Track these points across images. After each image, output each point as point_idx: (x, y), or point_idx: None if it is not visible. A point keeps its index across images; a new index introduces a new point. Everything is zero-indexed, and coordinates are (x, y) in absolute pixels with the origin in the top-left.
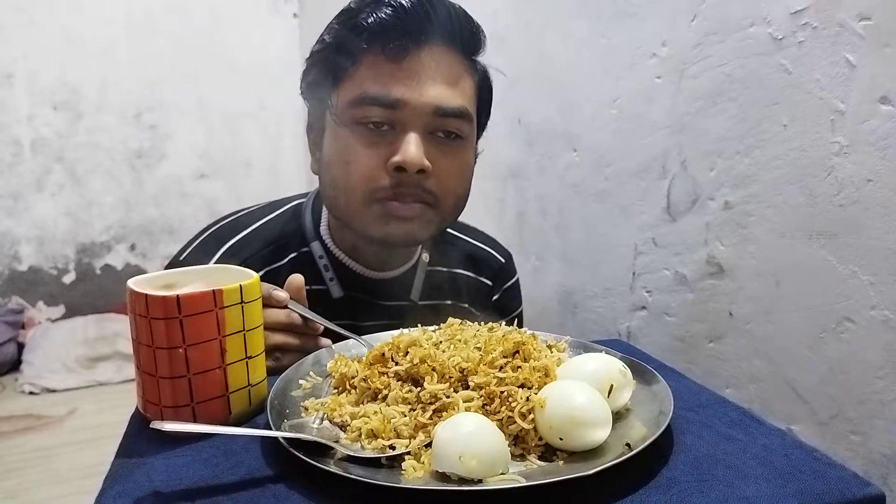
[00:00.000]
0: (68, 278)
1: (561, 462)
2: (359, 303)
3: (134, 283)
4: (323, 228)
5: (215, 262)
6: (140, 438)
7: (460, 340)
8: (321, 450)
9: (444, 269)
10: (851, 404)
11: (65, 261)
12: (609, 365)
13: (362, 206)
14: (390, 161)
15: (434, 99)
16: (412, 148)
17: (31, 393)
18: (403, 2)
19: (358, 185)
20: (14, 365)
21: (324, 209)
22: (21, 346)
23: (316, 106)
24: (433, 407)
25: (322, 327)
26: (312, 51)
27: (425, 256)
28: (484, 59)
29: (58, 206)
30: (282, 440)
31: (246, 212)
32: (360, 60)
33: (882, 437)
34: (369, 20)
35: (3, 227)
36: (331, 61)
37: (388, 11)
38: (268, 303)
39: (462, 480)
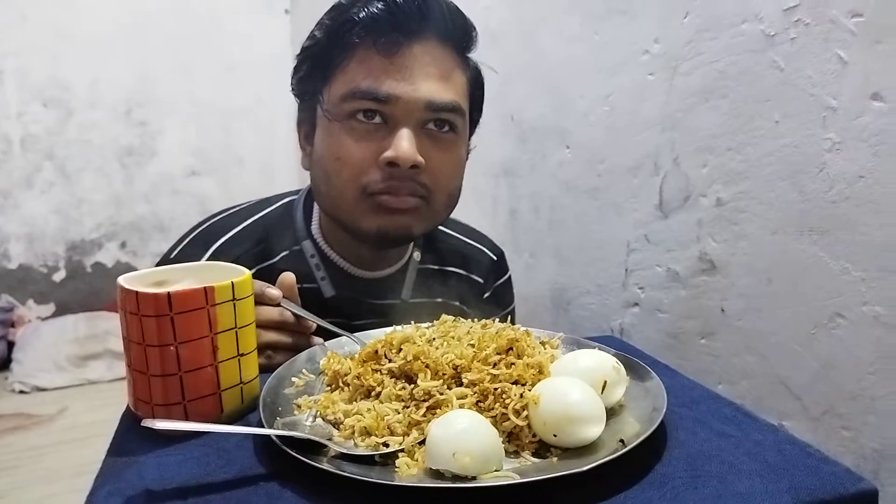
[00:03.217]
0: (58, 276)
1: (555, 458)
2: (350, 302)
3: (124, 281)
4: (314, 227)
5: (206, 260)
6: (131, 437)
7: (454, 337)
8: (314, 448)
9: (436, 267)
10: (843, 400)
11: (55, 258)
12: (602, 361)
13: (354, 201)
14: (382, 156)
15: (426, 94)
16: (405, 143)
17: (21, 392)
18: None
19: (349, 179)
20: (4, 364)
21: (315, 207)
22: (11, 345)
23: (307, 102)
24: (427, 404)
25: (314, 325)
26: (303, 46)
27: (416, 255)
28: (476, 55)
29: (48, 204)
30: (274, 438)
31: (237, 209)
32: (352, 55)
33: (873, 433)
34: (361, 14)
35: None
36: (322, 56)
37: (379, 6)
38: (260, 300)
39: (456, 477)
